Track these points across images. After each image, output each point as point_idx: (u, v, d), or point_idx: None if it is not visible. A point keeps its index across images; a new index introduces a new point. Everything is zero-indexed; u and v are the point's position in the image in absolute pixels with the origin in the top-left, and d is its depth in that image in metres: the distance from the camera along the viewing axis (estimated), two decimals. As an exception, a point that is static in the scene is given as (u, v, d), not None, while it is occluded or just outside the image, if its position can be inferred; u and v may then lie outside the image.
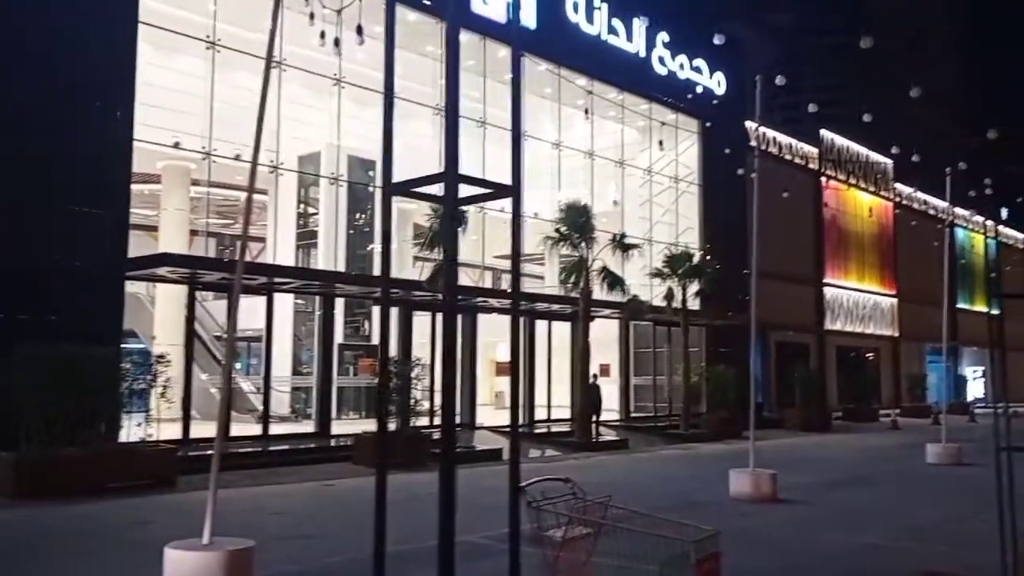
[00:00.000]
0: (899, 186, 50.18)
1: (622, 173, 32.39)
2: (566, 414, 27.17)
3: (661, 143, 31.42)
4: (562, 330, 28.00)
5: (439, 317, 18.41)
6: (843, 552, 10.12)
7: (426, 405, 19.73)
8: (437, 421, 19.32)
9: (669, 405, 31.85)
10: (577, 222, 24.09)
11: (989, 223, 54.58)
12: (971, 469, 18.57)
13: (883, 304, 48.41)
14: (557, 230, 24.36)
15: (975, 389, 55.12)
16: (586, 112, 28.95)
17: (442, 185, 3.47)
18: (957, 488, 16.02)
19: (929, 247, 43.81)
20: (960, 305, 51.19)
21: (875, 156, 47.62)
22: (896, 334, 49.16)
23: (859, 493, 15.75)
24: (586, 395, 24.53)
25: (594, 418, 24.98)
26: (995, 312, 7.61)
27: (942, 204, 45.95)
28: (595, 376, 26.16)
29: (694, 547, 5.39)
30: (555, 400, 27.68)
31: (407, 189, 3.81)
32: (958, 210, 51.32)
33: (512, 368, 3.56)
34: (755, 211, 16.83)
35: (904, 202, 50.73)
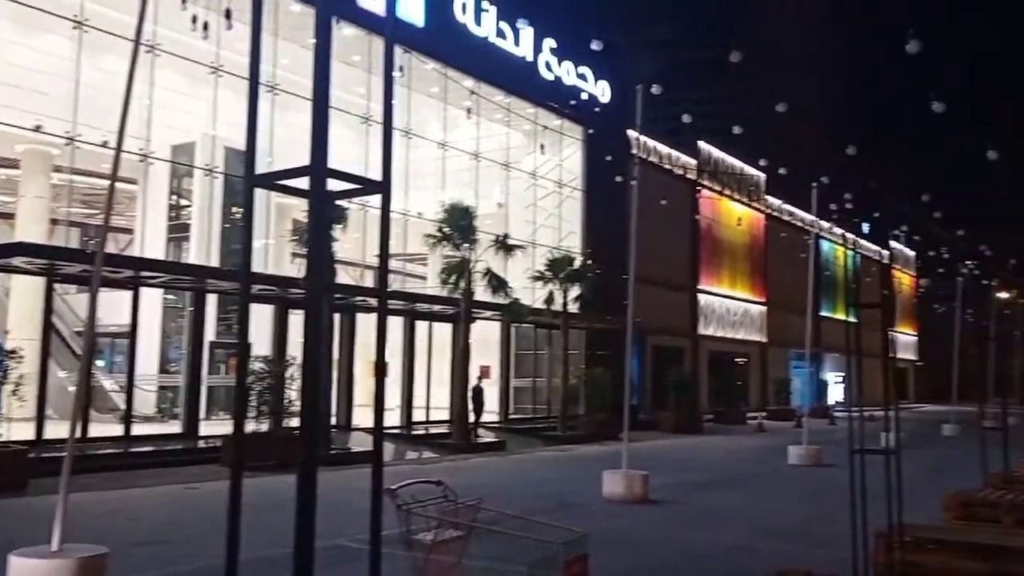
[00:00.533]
0: (770, 198, 52.39)
1: (507, 176, 32.58)
2: (445, 415, 27.08)
3: (543, 147, 31.76)
4: (443, 331, 27.89)
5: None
6: (708, 552, 10.42)
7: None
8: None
9: (548, 407, 32.18)
10: (460, 223, 24.05)
11: (850, 235, 57.65)
12: (829, 470, 19.48)
13: (753, 311, 50.40)
14: (440, 230, 24.26)
15: (835, 393, 58.09)
16: (468, 111, 28.95)
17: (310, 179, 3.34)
18: (816, 488, 16.77)
19: (796, 257, 45.96)
20: (824, 313, 53.82)
21: (749, 169, 49.56)
22: (765, 340, 51.27)
23: (725, 494, 16.29)
24: (472, 397, 24.68)
25: (474, 420, 25.04)
26: (853, 320, 8.00)
27: (809, 217, 48.26)
28: (479, 378, 26.32)
29: (563, 549, 5.42)
30: (434, 401, 27.54)
31: (271, 182, 3.65)
32: (824, 223, 53.91)
33: (377, 367, 3.45)
34: (634, 218, 17.19)
35: (774, 214, 53.00)
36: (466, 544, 5.89)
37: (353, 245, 26.02)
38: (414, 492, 6.03)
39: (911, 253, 75.14)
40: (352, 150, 24.49)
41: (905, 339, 73.91)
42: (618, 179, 30.26)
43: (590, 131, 35.17)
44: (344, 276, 26.55)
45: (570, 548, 5.48)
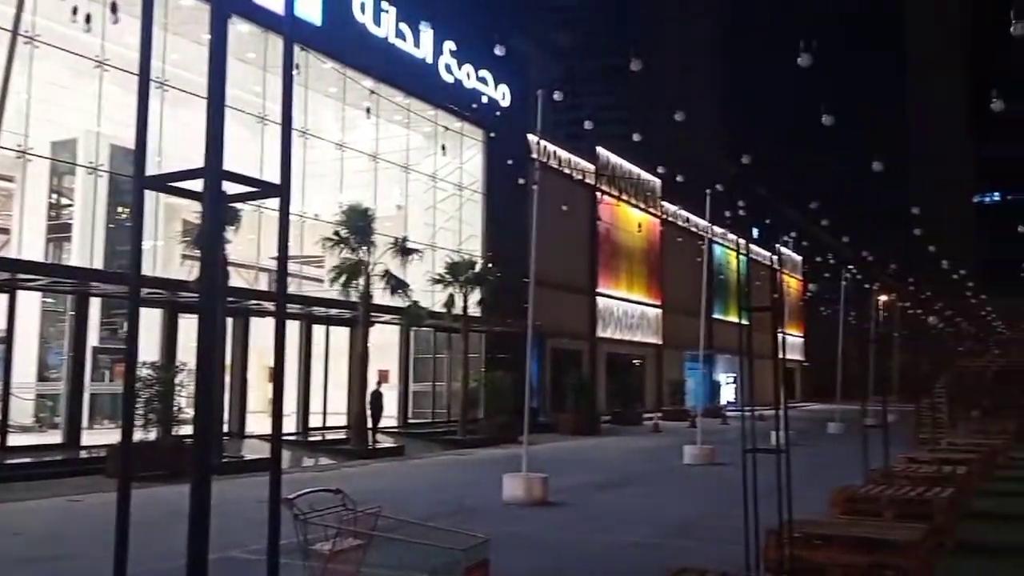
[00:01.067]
0: (666, 204, 53.68)
1: (407, 178, 32.33)
2: (343, 421, 26.67)
3: (444, 148, 31.65)
4: (340, 335, 27.47)
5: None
6: (607, 552, 10.56)
7: (191, 413, 18.62)
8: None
9: (448, 411, 32.10)
10: (357, 225, 23.75)
11: (741, 241, 59.53)
12: (723, 468, 20.07)
13: (649, 314, 51.50)
14: (337, 233, 23.89)
15: (727, 393, 59.91)
16: (368, 111, 28.58)
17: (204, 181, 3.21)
18: (710, 486, 17.24)
19: (691, 262, 47.21)
20: (716, 315, 55.41)
21: (646, 175, 50.66)
22: (660, 342, 52.45)
23: (623, 494, 16.57)
24: (371, 403, 24.45)
25: (371, 425, 24.79)
26: (745, 323, 8.26)
27: (703, 222, 49.58)
28: (378, 383, 26.08)
29: (464, 555, 5.40)
30: (331, 407, 27.09)
31: (163, 184, 3.49)
32: (716, 228, 55.58)
33: (276, 373, 3.33)
34: (535, 221, 17.31)
35: (670, 219, 54.32)
36: (365, 553, 5.80)
37: (246, 246, 25.33)
38: (312, 501, 5.91)
39: (798, 258, 78.18)
40: (247, 149, 23.87)
41: (792, 340, 76.88)
42: (520, 181, 30.41)
43: (491, 134, 35.26)
44: (237, 279, 25.84)
45: (471, 554, 5.46)
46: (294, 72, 3.62)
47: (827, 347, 47.11)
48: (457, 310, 28.39)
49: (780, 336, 14.00)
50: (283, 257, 3.47)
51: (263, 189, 3.35)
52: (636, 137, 24.21)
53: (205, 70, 3.25)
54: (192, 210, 20.56)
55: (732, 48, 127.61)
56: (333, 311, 26.44)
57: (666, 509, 14.41)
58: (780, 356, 8.65)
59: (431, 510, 12.52)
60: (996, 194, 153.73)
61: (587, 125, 29.69)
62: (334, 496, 5.98)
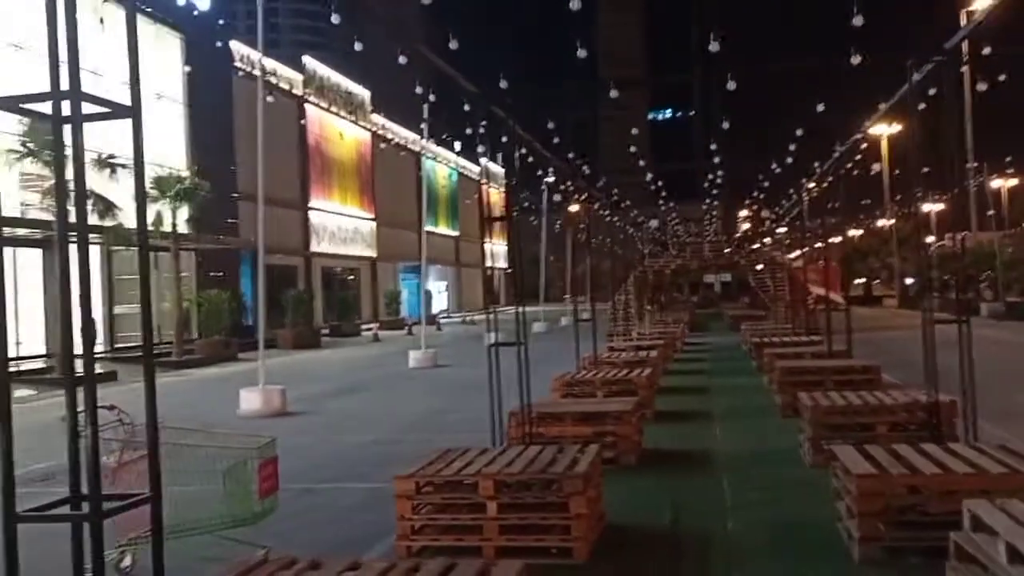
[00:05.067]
0: (376, 117, 53.60)
1: (100, 82, 29.53)
2: (37, 350, 24.69)
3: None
4: (29, 258, 25.15)
5: None
6: (353, 450, 11.22)
7: None
8: None
9: (158, 333, 30.71)
10: (46, 137, 21.66)
11: (452, 154, 61.15)
12: (445, 370, 21.44)
13: (363, 227, 51.79)
14: (24, 144, 21.66)
15: (440, 302, 62.22)
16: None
17: None
18: (438, 386, 18.38)
19: (402, 174, 47.95)
20: (427, 228, 56.84)
21: (355, 87, 50.13)
22: (374, 255, 53.07)
23: (358, 399, 17.25)
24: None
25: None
26: (455, 234, 9.10)
27: (412, 135, 50.21)
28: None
29: (256, 452, 5.75)
30: (23, 335, 24.91)
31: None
32: (427, 143, 56.50)
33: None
34: (261, 134, 16.95)
35: (380, 132, 54.39)
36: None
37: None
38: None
39: (502, 170, 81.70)
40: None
41: (498, 249, 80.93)
42: (232, 89, 29.00)
43: (191, 40, 33.03)
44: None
45: (261, 452, 5.82)
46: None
47: (529, 254, 50.17)
48: (165, 227, 27.00)
49: (498, 245, 15.08)
50: (140, 186, 3.54)
51: (114, 111, 3.43)
52: (358, 46, 23.91)
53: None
54: None
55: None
56: (21, 231, 24.08)
57: (403, 408, 15.27)
58: (516, 263, 9.59)
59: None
60: (668, 110, 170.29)
61: (294, 33, 28.87)
62: (108, 412, 6.01)
